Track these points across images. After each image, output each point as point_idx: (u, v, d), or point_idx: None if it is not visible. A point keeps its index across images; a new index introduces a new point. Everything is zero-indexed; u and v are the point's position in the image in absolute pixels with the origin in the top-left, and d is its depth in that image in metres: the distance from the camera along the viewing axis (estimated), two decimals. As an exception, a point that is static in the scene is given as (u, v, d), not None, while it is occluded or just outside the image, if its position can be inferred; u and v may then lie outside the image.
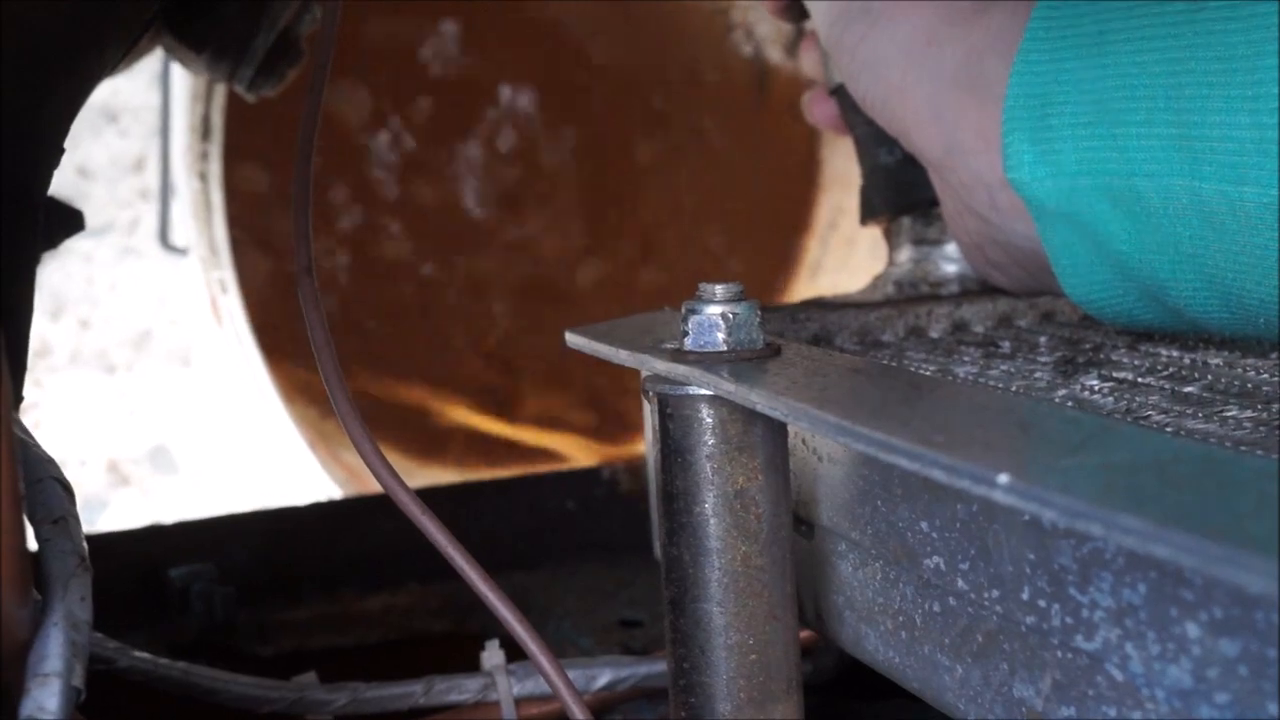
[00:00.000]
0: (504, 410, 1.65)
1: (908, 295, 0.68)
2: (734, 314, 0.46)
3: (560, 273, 1.72)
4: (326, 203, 1.51)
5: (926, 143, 0.60)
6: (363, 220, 1.55)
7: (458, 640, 0.78)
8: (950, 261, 0.69)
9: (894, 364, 0.56)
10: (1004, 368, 0.54)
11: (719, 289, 0.46)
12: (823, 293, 0.80)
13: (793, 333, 0.62)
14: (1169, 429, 0.43)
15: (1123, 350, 0.55)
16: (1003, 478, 0.31)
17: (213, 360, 1.47)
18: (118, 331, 1.56)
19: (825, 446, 0.49)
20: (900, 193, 0.69)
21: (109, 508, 1.62)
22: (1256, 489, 0.30)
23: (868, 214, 0.72)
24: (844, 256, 1.73)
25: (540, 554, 0.87)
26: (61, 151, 0.64)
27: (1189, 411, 0.45)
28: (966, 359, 0.56)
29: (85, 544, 0.43)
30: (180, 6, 0.76)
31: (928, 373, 0.54)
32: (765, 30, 1.75)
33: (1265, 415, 0.44)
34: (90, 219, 0.71)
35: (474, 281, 1.68)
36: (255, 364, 1.33)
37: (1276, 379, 0.48)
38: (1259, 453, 0.40)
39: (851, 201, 0.73)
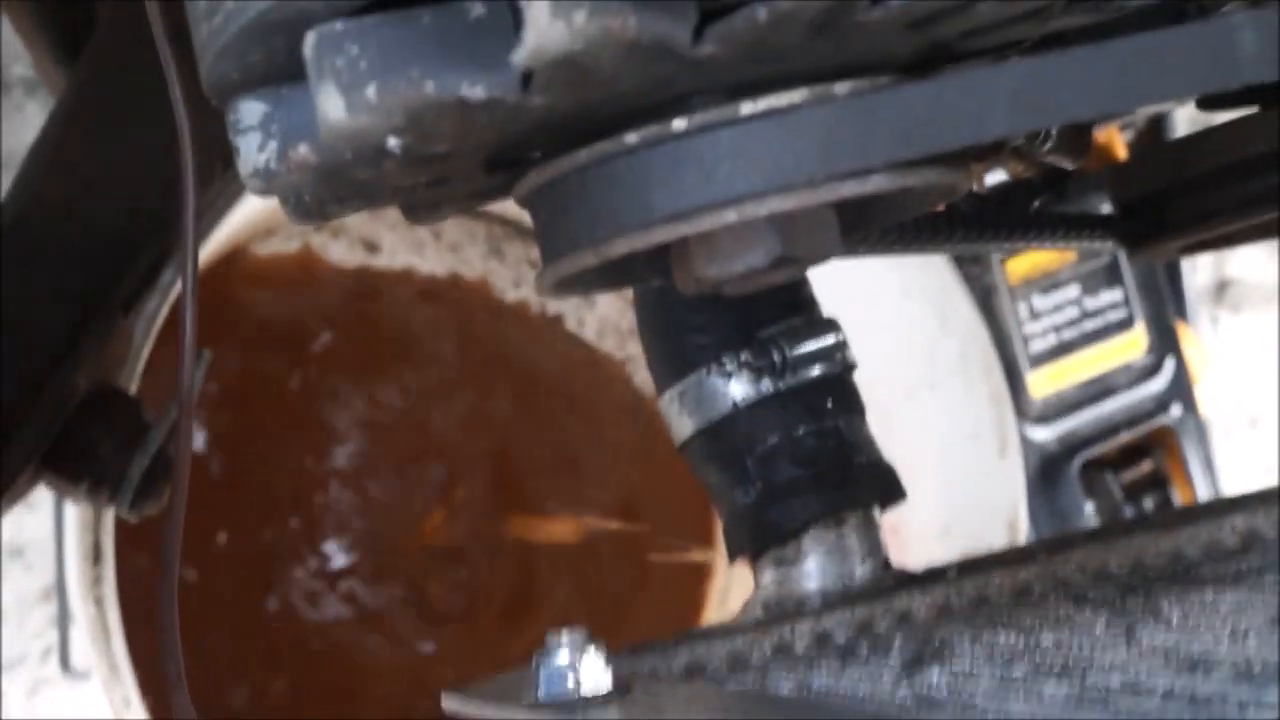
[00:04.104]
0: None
1: (774, 615, 0.71)
2: (580, 659, 0.49)
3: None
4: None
5: None
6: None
7: None
8: (810, 578, 0.72)
9: (757, 685, 0.59)
10: (856, 675, 0.57)
11: (564, 635, 0.49)
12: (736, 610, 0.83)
13: (665, 667, 0.64)
14: (990, 713, 0.46)
15: (966, 640, 0.58)
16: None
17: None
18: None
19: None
20: (760, 531, 0.73)
21: None
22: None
23: (734, 553, 0.75)
24: (748, 577, 1.76)
25: None
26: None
27: (1013, 693, 0.48)
28: (824, 670, 0.59)
29: None
30: (56, 446, 0.80)
31: (787, 689, 0.57)
32: (644, 378, 1.83)
33: (1078, 690, 0.47)
34: (3, 654, 0.73)
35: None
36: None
37: (1095, 653, 0.52)
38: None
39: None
